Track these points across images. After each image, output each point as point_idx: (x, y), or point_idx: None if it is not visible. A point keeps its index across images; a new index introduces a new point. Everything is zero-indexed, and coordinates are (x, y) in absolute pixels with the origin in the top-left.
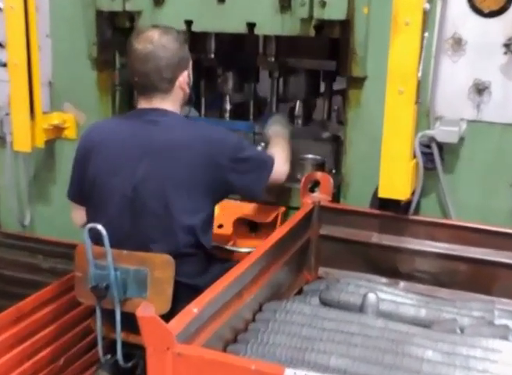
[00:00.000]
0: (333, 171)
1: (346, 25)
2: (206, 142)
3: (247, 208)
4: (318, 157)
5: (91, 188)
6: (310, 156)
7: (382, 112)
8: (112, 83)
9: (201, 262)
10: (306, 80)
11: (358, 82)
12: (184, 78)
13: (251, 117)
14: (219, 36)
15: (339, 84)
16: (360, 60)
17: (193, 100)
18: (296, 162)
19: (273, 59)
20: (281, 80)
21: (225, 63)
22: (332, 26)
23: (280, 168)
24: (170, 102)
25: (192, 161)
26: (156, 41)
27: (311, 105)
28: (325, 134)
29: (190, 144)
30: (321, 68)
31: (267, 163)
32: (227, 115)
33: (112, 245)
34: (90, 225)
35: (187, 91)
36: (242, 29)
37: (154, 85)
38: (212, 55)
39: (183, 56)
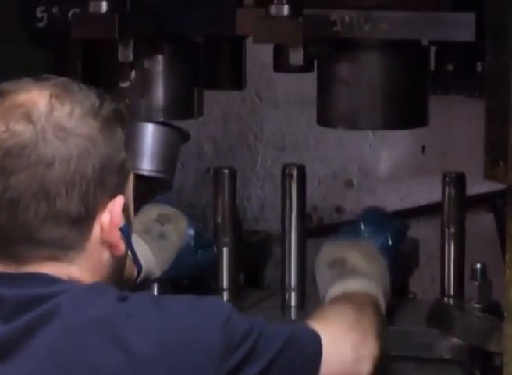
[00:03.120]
0: None
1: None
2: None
3: None
4: None
5: None
6: None
7: None
8: None
9: None
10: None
11: None
12: (116, 217)
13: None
14: None
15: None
16: None
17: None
18: None
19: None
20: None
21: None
22: None
23: (344, 354)
24: (80, 271)
25: None
26: (41, 116)
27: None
28: (450, 349)
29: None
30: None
31: (311, 347)
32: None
33: None
34: None
35: (122, 250)
36: None
37: (29, 234)
38: None
39: (111, 158)
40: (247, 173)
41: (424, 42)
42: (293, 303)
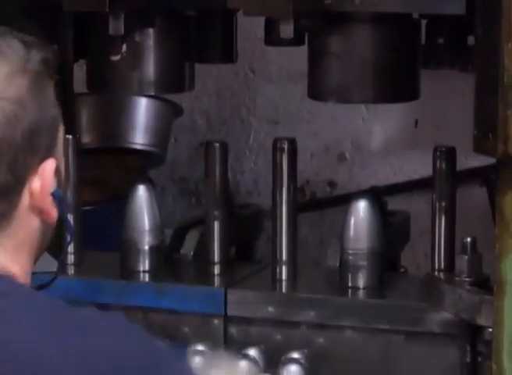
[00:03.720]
0: None
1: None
2: None
3: None
4: None
5: None
6: None
7: None
8: None
9: None
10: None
11: None
12: (47, 182)
13: None
14: None
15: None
16: None
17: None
18: None
19: None
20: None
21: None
22: None
23: None
24: (4, 252)
25: None
26: None
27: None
28: None
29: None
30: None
31: None
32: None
33: None
34: None
35: (54, 216)
36: None
37: None
38: None
39: (42, 119)
40: (240, 147)
41: (415, 15)
42: (284, 277)
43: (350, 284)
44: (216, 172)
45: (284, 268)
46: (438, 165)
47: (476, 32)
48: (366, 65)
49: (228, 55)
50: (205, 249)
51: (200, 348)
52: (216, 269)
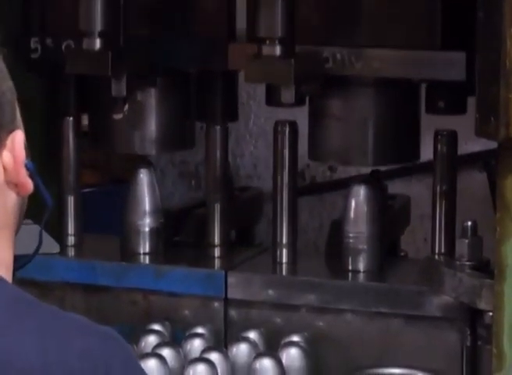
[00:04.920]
0: None
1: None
2: None
3: None
4: None
5: None
6: None
7: None
8: None
9: None
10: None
11: None
12: (19, 155)
13: None
14: None
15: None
16: None
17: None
18: None
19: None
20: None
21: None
22: None
23: None
24: None
25: None
26: None
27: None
28: None
29: None
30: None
31: None
32: None
33: None
34: None
35: (30, 187)
36: None
37: None
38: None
39: (1, 92)
40: (240, 131)
41: (415, 79)
42: (284, 260)
43: (350, 268)
44: (216, 155)
45: (284, 251)
46: (439, 149)
47: (477, 15)
48: (366, 128)
49: (229, 114)
50: (206, 232)
51: (200, 330)
52: (216, 252)
